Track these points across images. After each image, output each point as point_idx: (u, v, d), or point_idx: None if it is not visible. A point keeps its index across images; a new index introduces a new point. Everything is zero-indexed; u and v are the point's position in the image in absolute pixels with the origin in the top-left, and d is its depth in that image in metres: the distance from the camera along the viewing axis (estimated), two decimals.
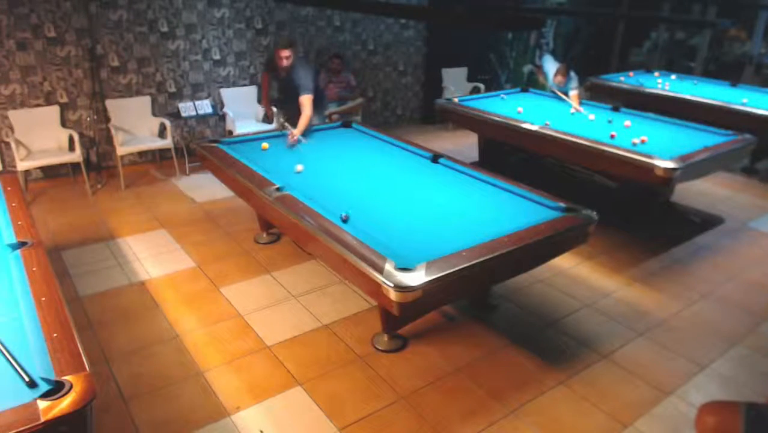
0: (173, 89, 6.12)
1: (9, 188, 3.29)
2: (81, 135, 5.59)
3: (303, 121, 4.47)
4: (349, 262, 2.58)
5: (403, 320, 3.11)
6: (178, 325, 3.38)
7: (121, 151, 5.52)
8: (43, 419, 1.53)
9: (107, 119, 5.72)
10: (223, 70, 6.39)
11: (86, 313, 3.47)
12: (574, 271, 4.09)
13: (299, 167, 3.81)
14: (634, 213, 4.99)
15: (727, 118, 5.52)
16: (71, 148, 5.41)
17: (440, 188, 3.59)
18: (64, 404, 1.58)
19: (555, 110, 5.56)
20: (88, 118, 5.71)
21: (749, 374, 3.08)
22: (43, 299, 2.12)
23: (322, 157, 4.12)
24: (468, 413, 2.73)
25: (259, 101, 6.55)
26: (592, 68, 8.49)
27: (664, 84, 6.85)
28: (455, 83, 8.02)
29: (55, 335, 1.89)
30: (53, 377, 1.69)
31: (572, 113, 5.44)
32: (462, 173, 3.81)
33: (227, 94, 6.42)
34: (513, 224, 2.93)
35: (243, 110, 6.42)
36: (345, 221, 2.91)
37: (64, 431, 1.58)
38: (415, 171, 3.91)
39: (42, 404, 1.57)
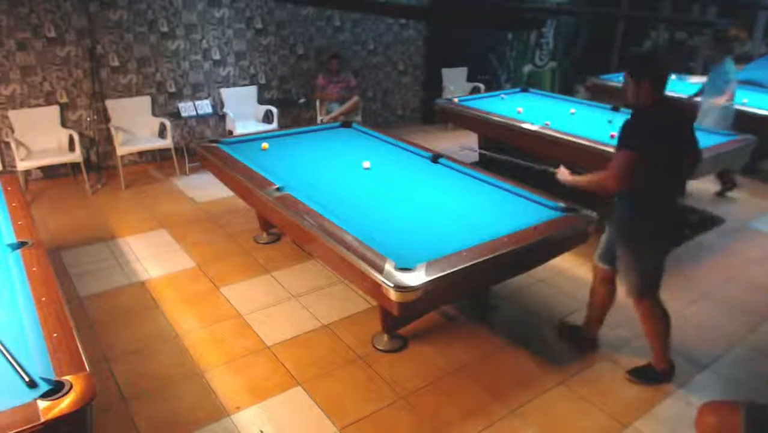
0: (173, 89, 6.13)
1: (9, 188, 3.29)
2: (81, 135, 5.59)
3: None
4: (349, 262, 2.58)
5: (403, 320, 3.11)
6: (178, 325, 3.38)
7: (121, 151, 5.52)
8: (43, 419, 1.53)
9: (107, 119, 5.73)
10: (223, 70, 6.39)
11: (86, 313, 3.47)
12: (574, 271, 4.08)
13: (366, 164, 3.88)
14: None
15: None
16: (71, 148, 5.41)
17: (440, 188, 3.59)
18: (64, 404, 1.58)
19: (555, 110, 5.56)
20: (88, 118, 5.71)
21: (749, 374, 3.08)
22: (43, 299, 2.12)
23: (323, 158, 4.12)
24: (468, 413, 2.73)
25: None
26: (592, 68, 8.49)
27: None
28: (455, 83, 8.02)
29: (55, 335, 1.89)
30: (53, 377, 1.69)
31: (572, 113, 5.42)
32: (462, 173, 3.81)
33: (227, 94, 6.42)
34: (513, 224, 2.93)
35: (243, 110, 6.42)
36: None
37: (65, 431, 1.57)
38: (415, 171, 3.91)
39: (42, 404, 1.57)
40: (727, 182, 5.63)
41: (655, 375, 2.94)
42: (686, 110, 2.53)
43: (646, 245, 2.73)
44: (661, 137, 2.58)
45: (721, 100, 5.31)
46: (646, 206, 2.69)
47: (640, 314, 2.90)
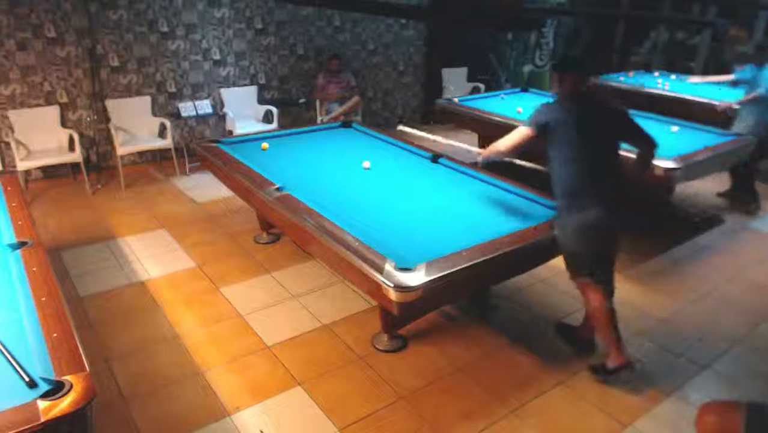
0: (173, 89, 6.12)
1: (9, 188, 3.29)
2: (81, 135, 5.59)
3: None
4: (349, 262, 2.58)
5: (403, 320, 3.11)
6: (178, 325, 3.38)
7: (121, 151, 5.52)
8: (43, 419, 1.53)
9: (107, 119, 5.72)
10: (223, 70, 6.39)
11: (86, 313, 3.47)
12: None
13: (366, 164, 3.87)
14: (634, 213, 4.98)
15: (727, 118, 5.51)
16: (71, 148, 5.41)
17: (440, 188, 3.59)
18: (64, 404, 1.58)
19: None
20: (88, 118, 5.71)
21: (749, 374, 3.08)
22: (43, 299, 2.11)
23: (323, 158, 4.12)
24: (468, 413, 2.73)
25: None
26: (592, 68, 8.49)
27: (664, 84, 6.85)
28: (455, 83, 8.02)
29: (55, 335, 1.89)
30: (53, 377, 1.69)
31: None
32: (462, 173, 3.81)
33: (227, 94, 6.42)
34: (513, 224, 2.94)
35: (243, 110, 6.42)
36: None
37: (65, 431, 1.57)
38: (415, 171, 3.91)
39: (42, 404, 1.57)
40: (740, 190, 5.38)
41: (606, 372, 2.90)
42: (613, 104, 2.82)
43: (568, 233, 2.78)
44: (568, 123, 2.70)
45: (746, 99, 5.14)
46: (566, 196, 2.78)
47: (583, 295, 2.93)
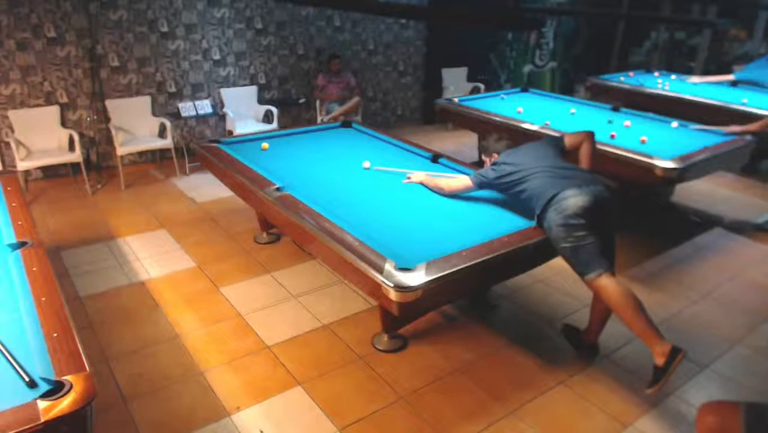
0: (173, 89, 6.13)
1: (9, 188, 3.29)
2: (81, 135, 5.59)
3: None
4: (349, 262, 2.58)
5: (403, 320, 3.11)
6: (178, 325, 3.38)
7: (121, 151, 5.52)
8: (43, 419, 1.53)
9: (107, 119, 5.73)
10: (223, 70, 6.39)
11: (86, 313, 3.47)
12: None
13: (366, 164, 3.87)
14: (634, 213, 4.99)
15: (727, 118, 5.51)
16: (71, 148, 5.41)
17: None
18: (64, 404, 1.58)
19: (555, 110, 5.56)
20: (88, 118, 5.71)
21: (749, 374, 3.08)
22: (43, 299, 2.12)
23: (323, 158, 4.12)
24: (468, 413, 2.73)
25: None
26: (592, 68, 8.50)
27: (664, 84, 6.85)
28: (455, 83, 8.02)
29: (55, 335, 1.89)
30: (53, 377, 1.69)
31: (572, 113, 5.43)
32: (462, 173, 3.81)
33: (227, 94, 6.42)
34: (513, 224, 2.94)
35: (243, 110, 6.42)
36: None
37: (65, 431, 1.58)
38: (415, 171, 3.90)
39: (42, 404, 1.57)
40: None
41: (661, 371, 2.52)
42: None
43: (554, 232, 2.74)
44: (507, 163, 3.06)
45: None
46: (539, 199, 2.84)
47: (599, 295, 2.73)
